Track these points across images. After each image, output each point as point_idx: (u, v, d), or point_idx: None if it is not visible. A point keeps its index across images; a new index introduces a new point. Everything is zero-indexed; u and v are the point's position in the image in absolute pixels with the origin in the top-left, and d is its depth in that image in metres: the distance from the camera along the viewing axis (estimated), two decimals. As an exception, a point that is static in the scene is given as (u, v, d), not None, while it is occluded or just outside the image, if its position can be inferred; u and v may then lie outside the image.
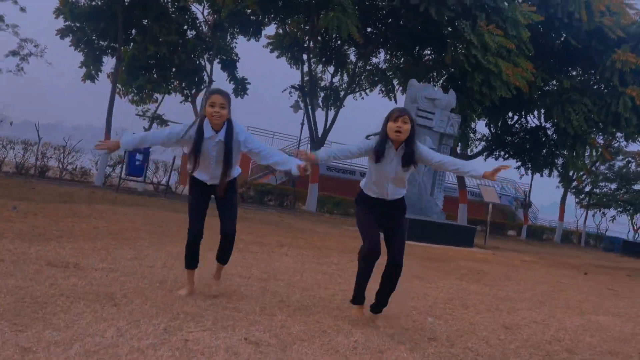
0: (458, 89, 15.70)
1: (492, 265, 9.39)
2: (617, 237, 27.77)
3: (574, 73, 20.56)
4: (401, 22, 17.81)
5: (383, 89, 21.02)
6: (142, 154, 14.20)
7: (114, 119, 15.98)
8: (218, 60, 18.37)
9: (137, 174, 14.66)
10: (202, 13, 17.88)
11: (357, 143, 4.03)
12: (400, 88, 20.35)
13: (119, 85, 17.05)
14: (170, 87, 17.77)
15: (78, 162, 16.24)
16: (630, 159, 28.83)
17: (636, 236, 29.87)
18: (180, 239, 6.67)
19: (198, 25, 17.76)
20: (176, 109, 20.15)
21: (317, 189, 19.00)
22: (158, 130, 3.99)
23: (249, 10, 17.67)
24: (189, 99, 17.50)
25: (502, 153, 22.14)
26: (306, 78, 20.28)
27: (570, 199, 28.06)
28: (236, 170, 4.05)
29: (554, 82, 19.37)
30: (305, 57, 19.88)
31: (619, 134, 23.80)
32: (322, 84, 21.70)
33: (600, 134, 22.00)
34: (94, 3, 16.40)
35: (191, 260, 3.98)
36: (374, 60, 21.17)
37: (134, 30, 17.15)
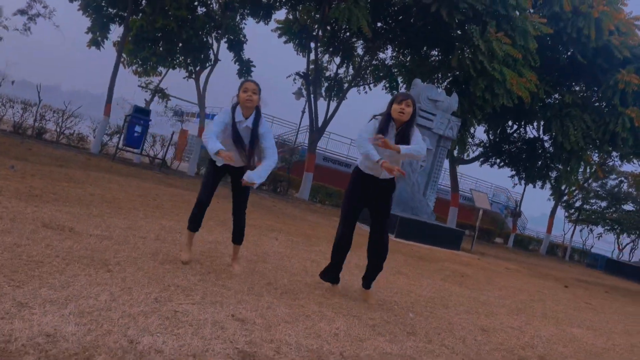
0: (461, 92, 15.80)
1: (476, 270, 9.56)
2: (602, 254, 28.13)
3: (577, 88, 20.69)
4: (411, 21, 17.83)
5: (387, 85, 21.06)
6: (141, 126, 14.22)
7: (116, 88, 15.97)
8: (225, 39, 18.33)
9: (135, 145, 14.68)
10: (215, -9, 17.83)
11: (362, 128, 4.28)
12: (404, 86, 20.40)
13: (124, 55, 16.99)
14: (175, 62, 17.72)
15: (76, 128, 16.22)
16: (623, 179, 29.12)
17: (620, 255, 30.25)
18: (173, 215, 6.79)
19: (209, 2, 17.68)
20: (179, 84, 20.13)
21: (311, 178, 19.10)
22: (214, 125, 4.17)
23: (261, -8, 17.64)
24: (193, 76, 17.46)
25: (498, 160, 22.33)
26: (312, 66, 20.28)
27: (560, 212, 28.35)
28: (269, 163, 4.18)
29: (556, 96, 19.49)
30: (312, 45, 19.87)
31: (614, 153, 24.05)
32: (327, 74, 21.69)
33: (596, 151, 22.21)
34: (105, -31, 16.32)
35: (195, 222, 4.33)
36: (381, 55, 21.20)
37: (143, 1, 17.07)
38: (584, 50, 17.23)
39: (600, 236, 30.40)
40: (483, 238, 23.40)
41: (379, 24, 18.75)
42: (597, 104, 19.82)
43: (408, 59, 20.43)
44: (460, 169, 22.99)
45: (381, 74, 21.16)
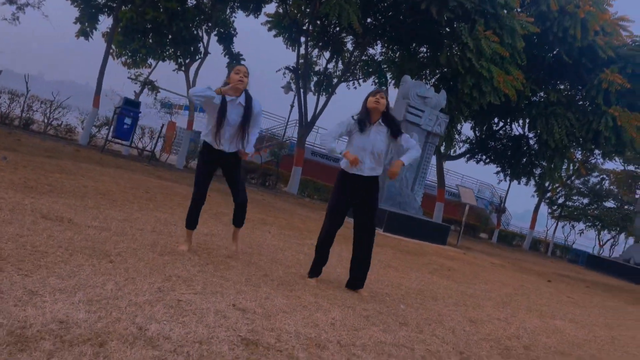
0: (449, 89, 15.99)
1: (462, 264, 9.78)
2: (583, 250, 28.71)
3: (562, 87, 21.03)
4: (401, 17, 17.96)
5: (376, 80, 21.21)
6: (130, 118, 14.19)
7: (105, 80, 15.86)
8: (215, 32, 18.30)
9: (124, 137, 14.64)
10: (205, -17, 17.76)
11: (336, 124, 4.53)
12: (393, 82, 20.57)
13: (113, 46, 16.88)
14: (165, 54, 17.66)
15: (64, 119, 16.10)
16: (604, 176, 29.73)
17: (601, 251, 30.89)
18: (167, 208, 6.86)
19: (199, -6, 17.63)
20: (169, 76, 20.06)
21: (300, 172, 19.20)
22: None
23: (252, -14, 17.63)
24: (182, 68, 17.41)
25: (484, 157, 22.63)
26: (301, 61, 20.33)
27: (543, 209, 28.84)
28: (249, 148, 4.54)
29: (542, 94, 19.80)
30: (302, 39, 19.92)
31: (597, 151, 24.53)
32: (317, 68, 21.77)
33: (579, 149, 22.64)
34: (95, -42, 16.17)
35: (192, 221, 4.53)
36: (370, 51, 21.34)
37: (133, -8, 16.97)
38: (569, 49, 17.51)
39: (582, 232, 31.03)
40: (468, 233, 23.74)
41: (368, 20, 18.85)
42: (581, 102, 20.17)
43: (397, 55, 20.58)
44: (447, 164, 23.27)
45: (370, 70, 21.30)
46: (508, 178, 23.47)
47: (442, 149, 21.05)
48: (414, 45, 19.60)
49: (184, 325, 2.72)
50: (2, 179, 5.76)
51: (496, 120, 21.80)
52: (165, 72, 19.32)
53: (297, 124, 20.87)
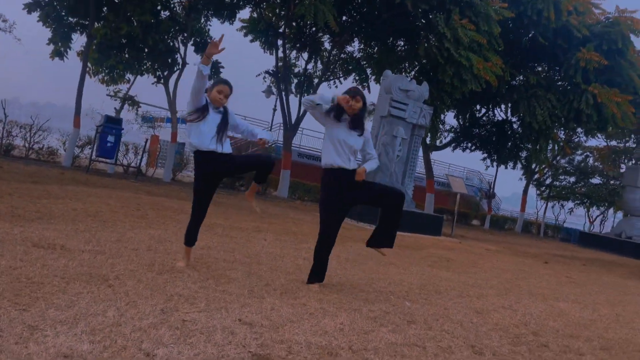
0: (429, 80, 16.00)
1: (460, 254, 9.79)
2: (574, 228, 29.00)
3: (540, 69, 21.19)
4: (376, 13, 17.95)
5: (357, 77, 21.19)
6: (113, 136, 14.00)
7: (84, 99, 15.66)
8: (192, 42, 18.15)
9: (108, 155, 14.44)
10: (177, -7, 17.59)
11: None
12: (373, 77, 20.57)
13: (90, 65, 16.65)
14: (142, 68, 17.45)
15: (45, 142, 15.84)
16: (588, 153, 30.06)
17: (592, 228, 31.23)
18: (159, 224, 6.76)
19: (172, 5, 17.44)
20: (148, 90, 19.84)
21: (289, 175, 19.12)
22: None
23: (224, -8, 17.50)
24: (162, 81, 17.23)
25: (469, 145, 22.74)
26: (280, 64, 20.26)
27: (532, 190, 29.07)
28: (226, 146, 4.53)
29: (521, 78, 19.92)
30: (279, 42, 19.84)
31: (579, 130, 24.80)
32: (296, 70, 21.71)
33: (562, 129, 22.84)
34: (63, -23, 15.91)
35: (192, 238, 4.51)
36: (348, 48, 21.31)
37: (105, 8, 16.74)
38: (544, 31, 17.64)
39: (572, 211, 31.33)
40: (460, 221, 23.84)
41: (344, 18, 18.83)
42: (560, 83, 20.33)
43: (375, 51, 20.58)
44: (433, 155, 23.31)
45: (350, 67, 21.28)
46: (495, 163, 23.61)
47: (428, 140, 21.11)
48: (391, 39, 19.61)
49: (192, 347, 2.65)
50: (-12, 209, 5.62)
51: (478, 107, 21.91)
52: (144, 86, 19.12)
53: (282, 127, 20.77)
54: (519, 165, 23.98)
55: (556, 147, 22.97)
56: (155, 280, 3.81)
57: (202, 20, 18.63)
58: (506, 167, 23.56)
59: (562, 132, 24.47)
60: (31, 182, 9.09)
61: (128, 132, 17.67)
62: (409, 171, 14.01)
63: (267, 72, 21.32)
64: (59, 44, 16.56)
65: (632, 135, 27.39)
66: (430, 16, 16.06)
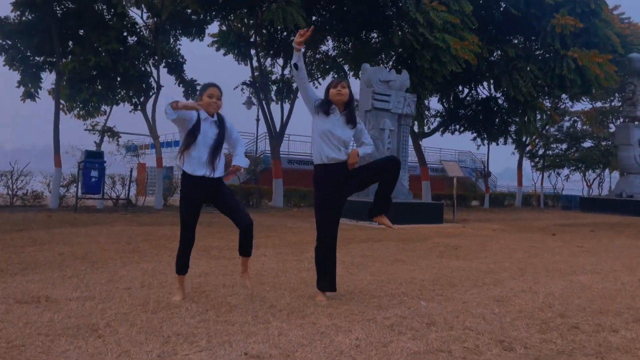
0: (408, 68, 15.76)
1: (466, 239, 9.53)
2: (573, 195, 28.86)
3: (517, 41, 21.03)
4: (345, 8, 17.71)
5: (335, 75, 20.93)
6: (96, 170, 13.64)
7: (62, 137, 15.27)
8: (164, 64, 17.82)
9: (94, 191, 14.07)
10: (142, 17, 17.25)
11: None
12: (352, 73, 20.33)
13: (62, 101, 16.27)
14: (117, 98, 17.06)
15: (28, 186, 15.44)
16: (576, 118, 29.97)
17: (590, 191, 31.11)
18: (152, 256, 6.45)
19: (139, 30, 17.09)
20: (127, 118, 19.49)
21: (281, 184, 18.83)
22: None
23: (189, 10, 17.17)
24: (139, 108, 16.87)
25: (458, 127, 22.53)
26: (256, 73, 19.98)
27: (526, 163, 28.90)
28: (220, 170, 4.21)
29: (499, 52, 19.75)
30: (252, 52, 19.57)
31: (564, 96, 24.66)
32: (274, 77, 21.43)
33: (547, 97, 22.69)
34: (24, 18, 15.51)
35: (183, 266, 4.20)
36: (323, 48, 21.07)
37: (70, 42, 16.39)
38: (516, 2, 17.47)
39: (568, 177, 31.16)
40: (460, 204, 23.61)
41: (314, 18, 18.57)
42: (539, 52, 20.18)
43: (350, 46, 20.35)
44: (423, 142, 23.09)
45: (327, 66, 21.03)
46: (486, 142, 23.42)
47: (416, 128, 20.89)
48: (364, 32, 19.38)
49: (194, 396, 2.36)
50: (-32, 268, 5.29)
51: (461, 88, 21.72)
52: (122, 115, 18.75)
53: (267, 137, 20.48)
54: (509, 140, 23.79)
55: (544, 117, 22.83)
56: (150, 322, 3.51)
57: (171, 40, 18.31)
58: (497, 144, 23.37)
59: (548, 101, 24.32)
60: (16, 231, 8.74)
61: (112, 164, 17.27)
62: (402, 162, 13.75)
63: (244, 83, 21.03)
64: (29, 85, 16.17)
65: (616, 94, 27.30)
66: (400, 4, 15.84)
